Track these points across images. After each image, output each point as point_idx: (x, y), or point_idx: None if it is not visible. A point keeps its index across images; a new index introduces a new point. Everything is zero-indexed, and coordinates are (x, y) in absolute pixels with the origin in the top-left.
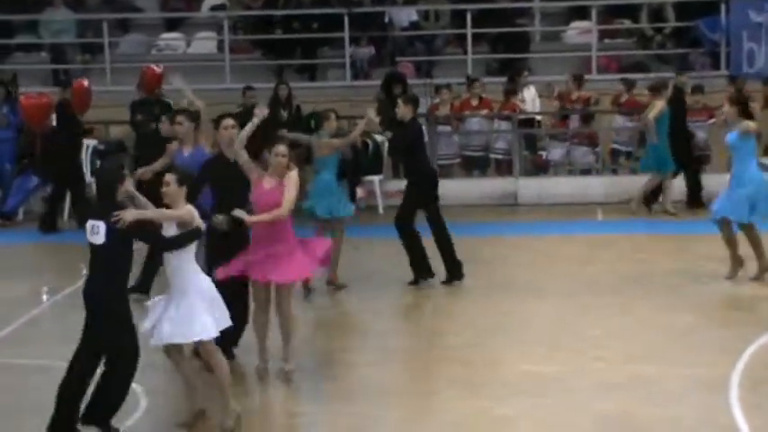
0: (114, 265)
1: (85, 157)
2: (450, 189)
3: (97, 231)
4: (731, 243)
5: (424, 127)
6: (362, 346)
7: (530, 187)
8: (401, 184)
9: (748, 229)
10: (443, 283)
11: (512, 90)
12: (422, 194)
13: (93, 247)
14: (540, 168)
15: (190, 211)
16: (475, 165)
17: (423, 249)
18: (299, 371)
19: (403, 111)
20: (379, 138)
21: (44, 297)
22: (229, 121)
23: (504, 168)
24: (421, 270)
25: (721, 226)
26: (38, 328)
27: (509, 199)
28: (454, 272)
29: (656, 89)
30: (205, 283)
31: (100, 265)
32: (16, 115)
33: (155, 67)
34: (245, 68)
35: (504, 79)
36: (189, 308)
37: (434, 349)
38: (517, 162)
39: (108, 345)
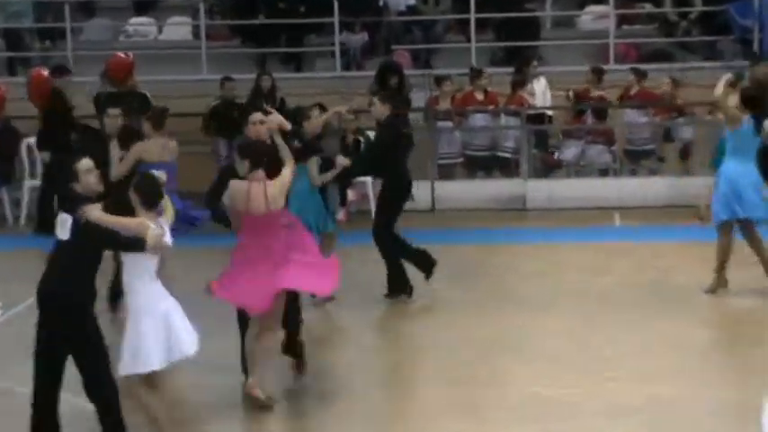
0: (77, 264)
1: (26, 157)
2: (452, 192)
3: (64, 225)
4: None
5: (412, 124)
6: (351, 363)
7: (539, 190)
8: None
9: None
10: (386, 296)
11: (520, 82)
12: (398, 200)
13: (59, 243)
14: (551, 169)
15: (140, 224)
16: (479, 165)
17: (402, 263)
18: (286, 390)
19: (379, 109)
20: (372, 135)
21: None
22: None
23: (511, 169)
24: (397, 284)
25: (727, 230)
26: None
27: (516, 203)
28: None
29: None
30: (161, 305)
31: (62, 262)
32: None
33: (122, 55)
34: (223, 57)
35: (510, 70)
36: (136, 334)
37: (431, 368)
38: (525, 162)
39: (71, 338)
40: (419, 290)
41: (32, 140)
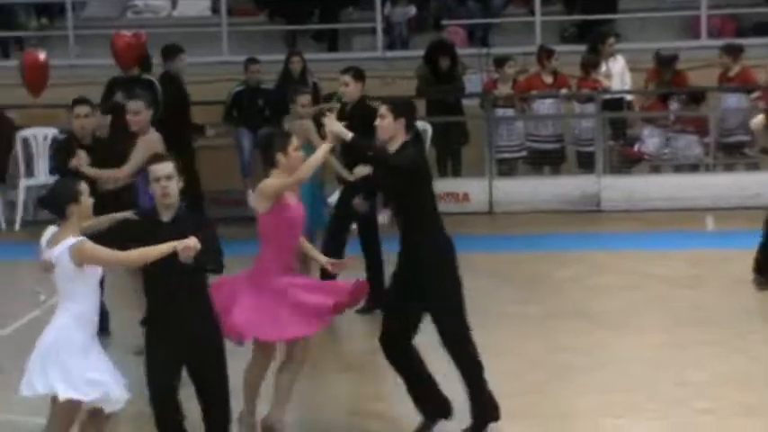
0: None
1: (21, 152)
2: (513, 190)
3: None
4: None
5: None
6: (389, 391)
7: (616, 188)
8: (454, 183)
9: None
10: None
11: (593, 62)
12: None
13: None
14: (630, 163)
15: (141, 255)
16: (545, 159)
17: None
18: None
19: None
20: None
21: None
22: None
23: (583, 164)
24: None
25: None
26: None
27: (589, 203)
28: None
29: None
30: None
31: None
32: None
33: (126, 35)
34: (247, 36)
35: (583, 48)
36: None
37: None
38: (600, 156)
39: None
40: (474, 305)
41: (29, 133)
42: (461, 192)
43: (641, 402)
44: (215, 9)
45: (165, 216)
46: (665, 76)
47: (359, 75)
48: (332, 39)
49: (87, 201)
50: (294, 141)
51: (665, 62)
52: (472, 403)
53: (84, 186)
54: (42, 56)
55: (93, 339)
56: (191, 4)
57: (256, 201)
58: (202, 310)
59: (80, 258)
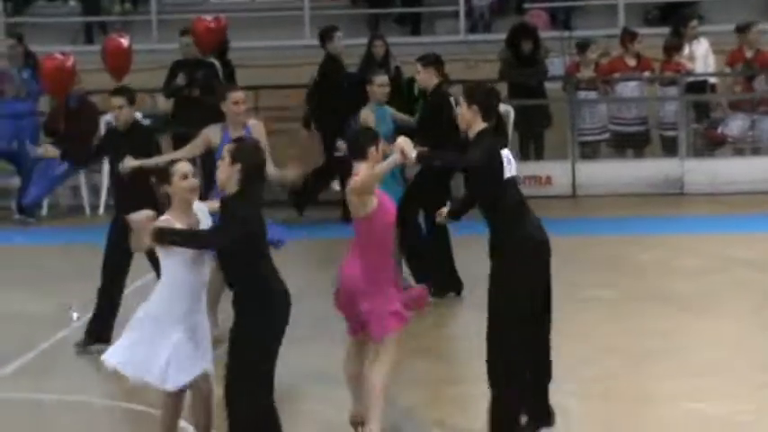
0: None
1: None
2: (596, 174)
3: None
4: None
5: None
6: (467, 376)
7: (700, 171)
8: (537, 167)
9: None
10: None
11: (676, 45)
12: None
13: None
14: (714, 146)
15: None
16: (628, 142)
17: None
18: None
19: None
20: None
21: (73, 315)
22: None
23: (667, 147)
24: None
25: None
26: (65, 355)
27: (673, 186)
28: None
29: None
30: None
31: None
32: (39, 83)
33: (207, 19)
34: (329, 19)
35: (666, 30)
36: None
37: (567, 381)
38: (684, 138)
39: None
40: (556, 289)
41: (113, 117)
42: (544, 175)
43: (723, 387)
44: None
45: None
46: (748, 50)
47: (428, 61)
48: (414, 22)
49: (180, 182)
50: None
51: (742, 29)
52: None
53: (180, 167)
54: (125, 41)
55: (187, 318)
56: None
57: (355, 203)
58: None
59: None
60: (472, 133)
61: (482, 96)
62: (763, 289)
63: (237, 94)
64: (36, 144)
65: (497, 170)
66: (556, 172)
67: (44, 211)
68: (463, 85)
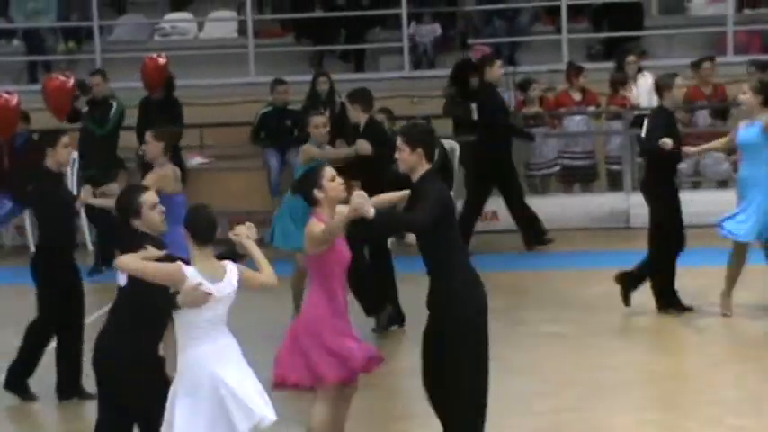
0: (134, 316)
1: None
2: (543, 208)
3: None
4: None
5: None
6: (414, 413)
7: (645, 205)
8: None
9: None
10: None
11: (621, 79)
12: None
13: (118, 291)
14: None
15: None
16: (577, 176)
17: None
18: None
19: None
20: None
21: None
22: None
23: (613, 181)
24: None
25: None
26: (9, 398)
27: (618, 220)
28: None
29: None
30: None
31: (118, 314)
32: None
33: (158, 58)
34: (273, 57)
35: (610, 65)
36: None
37: (519, 415)
38: (629, 173)
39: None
40: (504, 325)
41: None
42: (490, 210)
43: (675, 420)
44: (241, 31)
45: None
46: (704, 87)
47: (354, 98)
48: (358, 59)
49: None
50: (327, 172)
51: (695, 65)
52: None
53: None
54: (69, 81)
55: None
56: (217, 26)
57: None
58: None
59: None
60: (416, 176)
61: (424, 137)
62: (711, 324)
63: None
64: None
65: (450, 216)
66: (502, 207)
67: None
68: (401, 125)
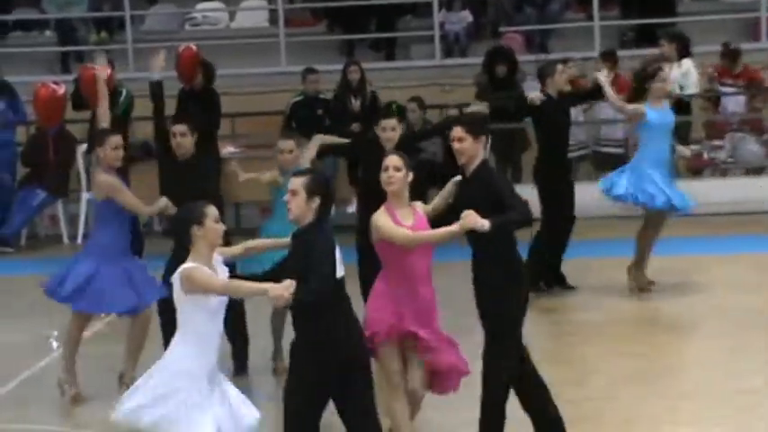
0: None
1: (82, 165)
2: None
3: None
4: None
5: None
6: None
7: None
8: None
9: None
10: None
11: (652, 63)
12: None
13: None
14: (696, 169)
15: (233, 288)
16: (609, 164)
17: None
18: None
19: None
20: None
21: (53, 345)
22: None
23: None
24: None
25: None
26: (46, 385)
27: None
28: None
29: None
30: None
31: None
32: (17, 112)
33: (192, 47)
34: (304, 46)
35: (642, 52)
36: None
37: None
38: None
39: None
40: (534, 309)
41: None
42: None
43: (705, 409)
44: (273, 20)
45: None
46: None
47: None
48: (389, 47)
49: (213, 225)
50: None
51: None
52: None
53: (210, 210)
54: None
55: (213, 370)
56: (248, 15)
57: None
58: None
59: (187, 285)
60: (473, 165)
61: (485, 126)
62: (744, 312)
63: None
64: (13, 174)
65: None
66: (535, 196)
67: (22, 241)
68: (457, 120)
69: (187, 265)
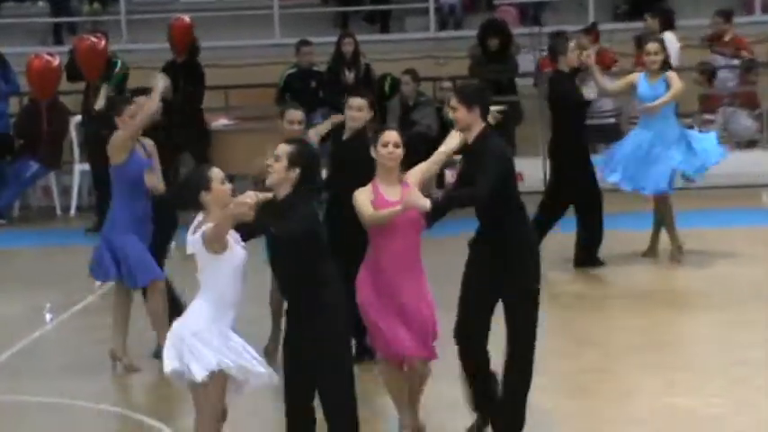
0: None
1: (75, 137)
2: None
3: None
4: None
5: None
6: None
7: None
8: None
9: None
10: None
11: (646, 38)
12: None
13: None
14: None
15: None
16: (601, 135)
17: None
18: None
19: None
20: None
21: (47, 316)
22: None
23: None
24: None
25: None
26: (39, 357)
27: None
28: None
29: None
30: None
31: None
32: (9, 83)
33: (185, 18)
34: (298, 18)
35: (636, 25)
36: None
37: (546, 375)
38: None
39: None
40: None
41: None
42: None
43: (702, 381)
44: None
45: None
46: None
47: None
48: (384, 20)
49: (220, 187)
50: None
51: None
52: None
53: (215, 172)
54: (101, 42)
55: (228, 328)
56: None
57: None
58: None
59: (211, 243)
60: (472, 135)
61: (480, 95)
62: (739, 284)
63: None
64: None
65: (511, 172)
66: (527, 168)
67: (15, 213)
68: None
69: (209, 224)
